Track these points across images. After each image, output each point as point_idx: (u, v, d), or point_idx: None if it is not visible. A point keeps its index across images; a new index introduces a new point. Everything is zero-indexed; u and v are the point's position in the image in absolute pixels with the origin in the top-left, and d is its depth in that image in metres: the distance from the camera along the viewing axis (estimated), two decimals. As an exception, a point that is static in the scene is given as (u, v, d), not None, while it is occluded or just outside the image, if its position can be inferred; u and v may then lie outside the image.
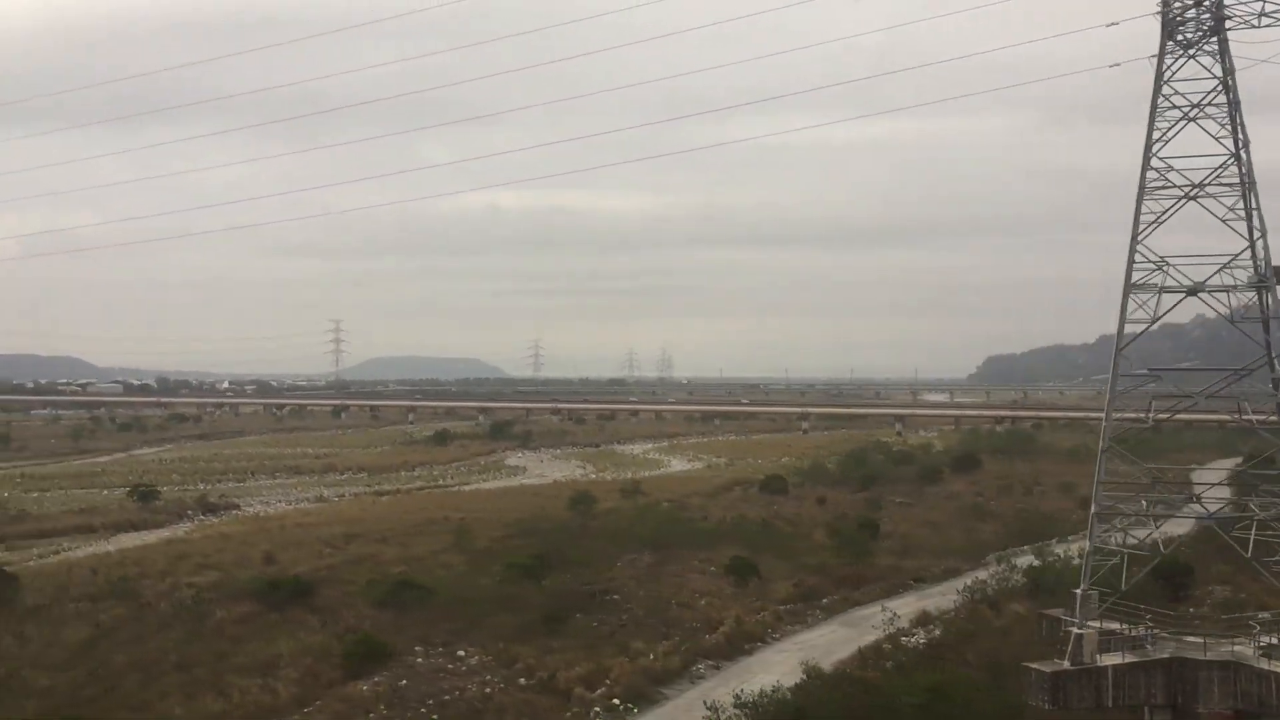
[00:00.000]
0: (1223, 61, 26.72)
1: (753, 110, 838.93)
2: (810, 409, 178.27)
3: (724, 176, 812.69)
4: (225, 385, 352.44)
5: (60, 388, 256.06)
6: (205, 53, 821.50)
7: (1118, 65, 29.12)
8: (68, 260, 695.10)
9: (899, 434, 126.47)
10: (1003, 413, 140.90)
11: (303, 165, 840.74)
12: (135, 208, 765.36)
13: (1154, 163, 27.50)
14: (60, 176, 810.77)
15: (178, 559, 44.32)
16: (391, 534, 50.15)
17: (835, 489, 65.51)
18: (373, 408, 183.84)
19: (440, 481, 78.79)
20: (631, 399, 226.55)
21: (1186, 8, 26.74)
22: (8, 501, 65.97)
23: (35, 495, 68.55)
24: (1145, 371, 30.18)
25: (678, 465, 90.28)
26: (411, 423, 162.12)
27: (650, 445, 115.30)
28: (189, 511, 60.44)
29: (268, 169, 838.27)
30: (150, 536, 52.90)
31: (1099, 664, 23.73)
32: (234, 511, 62.19)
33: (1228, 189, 27.02)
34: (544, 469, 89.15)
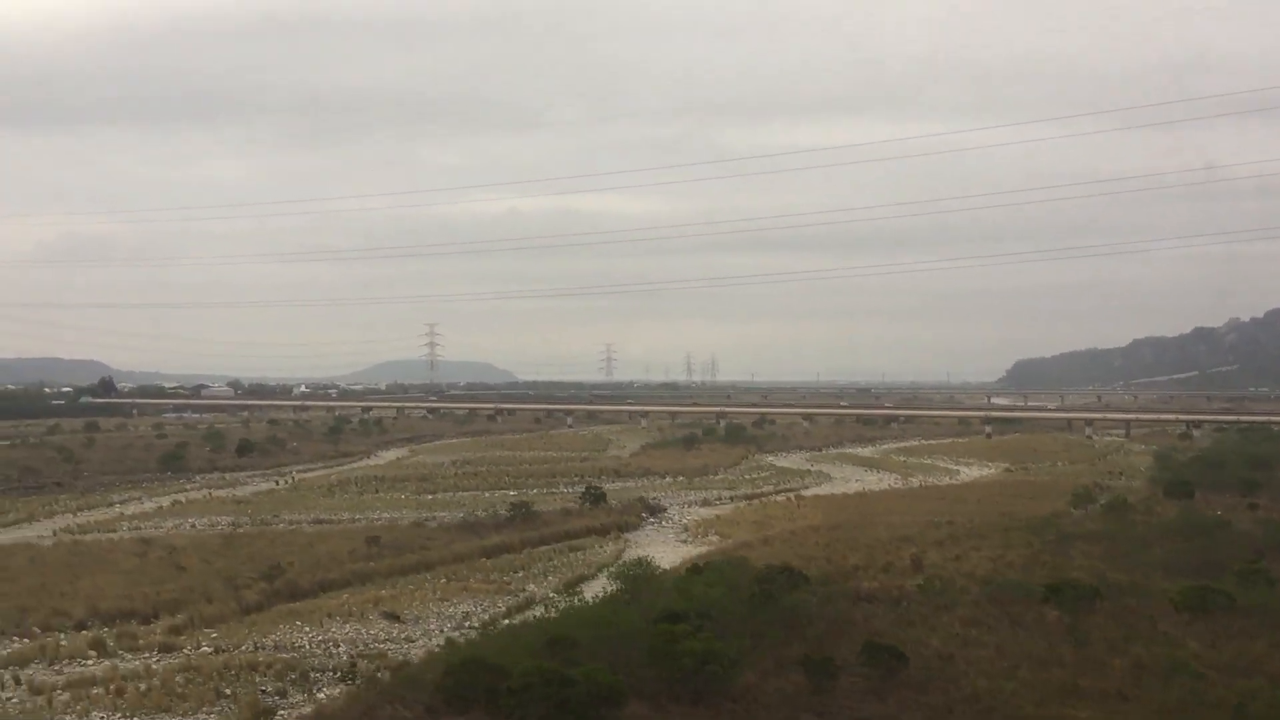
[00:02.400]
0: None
1: (786, 115, 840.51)
2: (950, 412, 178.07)
3: (741, 182, 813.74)
4: (302, 389, 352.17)
5: (170, 391, 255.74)
6: (231, 55, 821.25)
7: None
8: (86, 262, 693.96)
9: (1089, 437, 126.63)
10: (1195, 417, 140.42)
11: (306, 166, 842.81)
12: (155, 209, 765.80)
13: None
14: (78, 178, 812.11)
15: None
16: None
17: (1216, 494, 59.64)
18: (509, 410, 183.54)
19: (784, 487, 77.59)
20: (753, 399, 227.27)
21: None
22: (450, 501, 65.33)
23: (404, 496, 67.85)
24: None
25: (966, 472, 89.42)
26: (570, 425, 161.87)
27: (853, 450, 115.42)
28: (643, 514, 59.80)
29: (274, 170, 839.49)
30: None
31: None
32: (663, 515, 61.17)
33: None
34: (842, 474, 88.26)
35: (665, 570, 41.09)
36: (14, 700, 25.40)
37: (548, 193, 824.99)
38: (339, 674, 27.22)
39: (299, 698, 25.88)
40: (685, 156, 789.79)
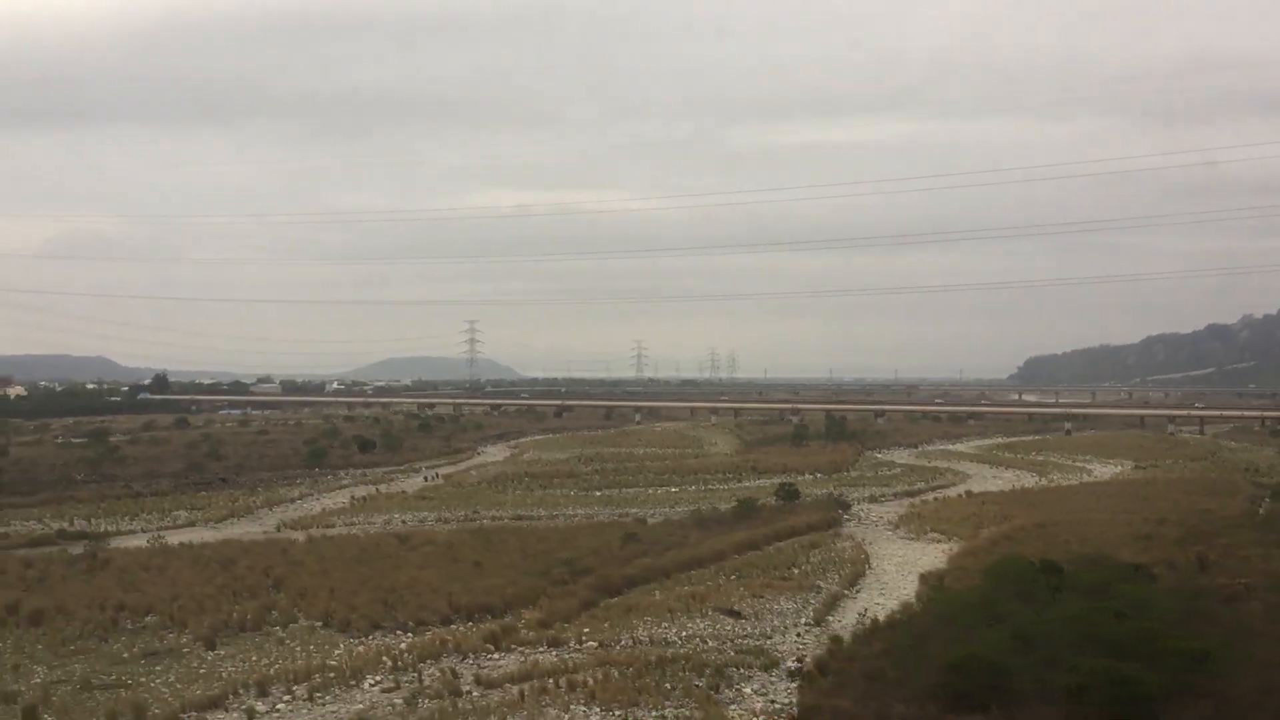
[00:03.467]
0: None
1: (801, 114, 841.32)
2: (1040, 409, 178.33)
3: (750, 179, 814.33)
4: (335, 385, 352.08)
5: (210, 388, 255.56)
6: (241, 55, 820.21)
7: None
8: (92, 259, 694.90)
9: (1172, 434, 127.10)
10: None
11: (316, 164, 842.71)
12: (161, 207, 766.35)
13: None
14: (84, 177, 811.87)
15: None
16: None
17: None
18: (566, 408, 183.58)
19: (935, 484, 77.67)
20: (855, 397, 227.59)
21: None
22: (628, 498, 65.77)
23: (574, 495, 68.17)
24: None
25: (1098, 470, 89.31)
26: (638, 421, 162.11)
27: (948, 446, 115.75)
28: (838, 511, 60.00)
29: (281, 169, 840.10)
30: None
31: None
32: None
33: None
34: (976, 471, 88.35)
35: (944, 568, 41.54)
36: (474, 694, 25.67)
37: (558, 189, 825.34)
38: (757, 669, 27.55)
39: (731, 692, 26.11)
40: (698, 155, 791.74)
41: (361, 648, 29.94)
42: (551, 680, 26.40)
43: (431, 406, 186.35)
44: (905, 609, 32.97)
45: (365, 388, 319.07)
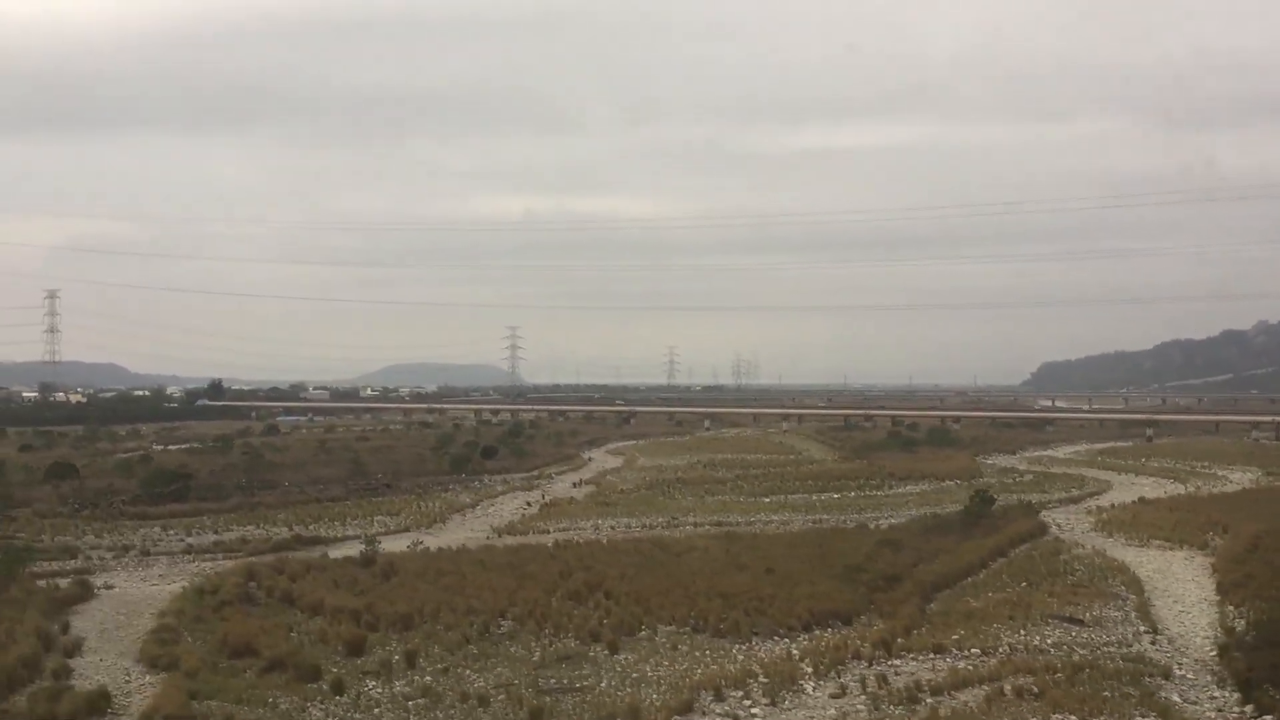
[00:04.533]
0: None
1: (820, 116, 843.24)
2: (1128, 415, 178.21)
3: (762, 181, 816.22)
4: (369, 391, 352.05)
5: (256, 394, 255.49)
6: (256, 58, 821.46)
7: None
8: (102, 266, 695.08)
9: (1256, 440, 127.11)
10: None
11: (311, 168, 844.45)
12: (169, 212, 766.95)
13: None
14: (92, 182, 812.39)
15: None
16: None
17: None
18: (631, 414, 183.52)
19: (1088, 491, 77.61)
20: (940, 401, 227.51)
21: None
22: (806, 504, 65.53)
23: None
24: None
25: (1234, 477, 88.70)
26: (708, 428, 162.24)
27: (1045, 452, 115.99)
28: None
29: (284, 172, 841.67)
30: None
31: None
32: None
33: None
34: (1115, 479, 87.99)
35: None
36: (928, 700, 25.67)
37: (569, 194, 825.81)
38: (1158, 676, 27.59)
39: (1164, 701, 26.10)
40: (715, 158, 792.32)
41: (746, 653, 30.01)
42: (987, 686, 26.45)
43: (495, 413, 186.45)
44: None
45: (403, 394, 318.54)
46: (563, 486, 78.83)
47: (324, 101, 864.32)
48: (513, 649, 30.43)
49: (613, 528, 56.03)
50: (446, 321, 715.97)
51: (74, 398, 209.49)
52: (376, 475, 77.02)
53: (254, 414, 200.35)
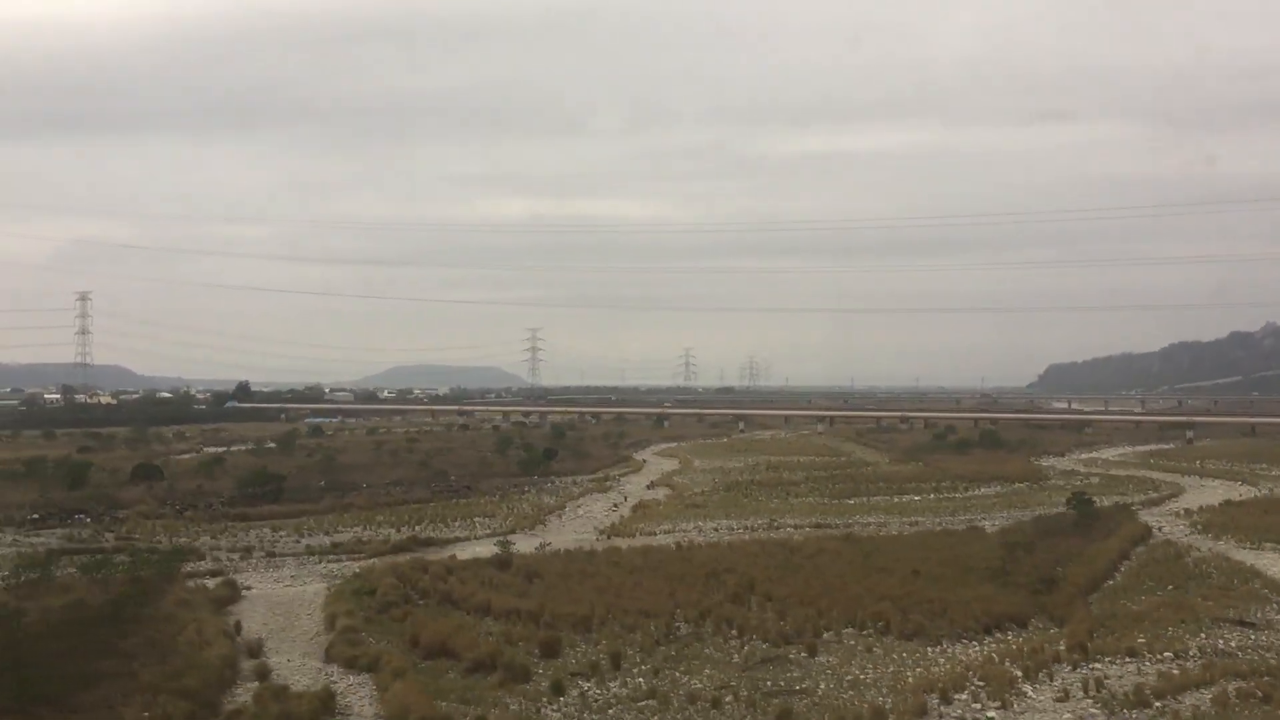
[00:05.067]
0: None
1: (827, 121, 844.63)
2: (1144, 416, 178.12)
3: (765, 185, 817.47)
4: (386, 393, 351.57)
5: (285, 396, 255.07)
6: (264, 64, 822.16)
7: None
8: (105, 268, 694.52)
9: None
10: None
11: (317, 172, 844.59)
12: (176, 216, 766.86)
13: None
14: (97, 185, 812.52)
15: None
16: None
17: None
18: (665, 416, 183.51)
19: (1165, 494, 77.32)
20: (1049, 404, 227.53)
21: None
22: (892, 506, 65.48)
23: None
24: None
25: None
26: (742, 430, 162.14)
27: (1089, 454, 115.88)
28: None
29: (291, 175, 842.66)
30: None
31: None
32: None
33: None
34: (1184, 482, 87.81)
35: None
36: (1157, 704, 25.61)
37: (574, 197, 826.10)
38: None
39: None
40: (722, 162, 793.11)
41: (943, 656, 29.96)
42: (1207, 691, 26.41)
43: (527, 415, 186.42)
44: None
45: (420, 396, 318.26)
46: (634, 488, 78.78)
47: (330, 105, 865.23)
48: (705, 651, 30.36)
49: (716, 529, 55.97)
50: (449, 324, 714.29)
51: (104, 400, 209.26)
52: (452, 477, 76.92)
53: (283, 415, 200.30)
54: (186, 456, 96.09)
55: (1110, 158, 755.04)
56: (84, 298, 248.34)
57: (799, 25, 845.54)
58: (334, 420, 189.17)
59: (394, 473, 79.44)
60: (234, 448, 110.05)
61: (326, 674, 29.15)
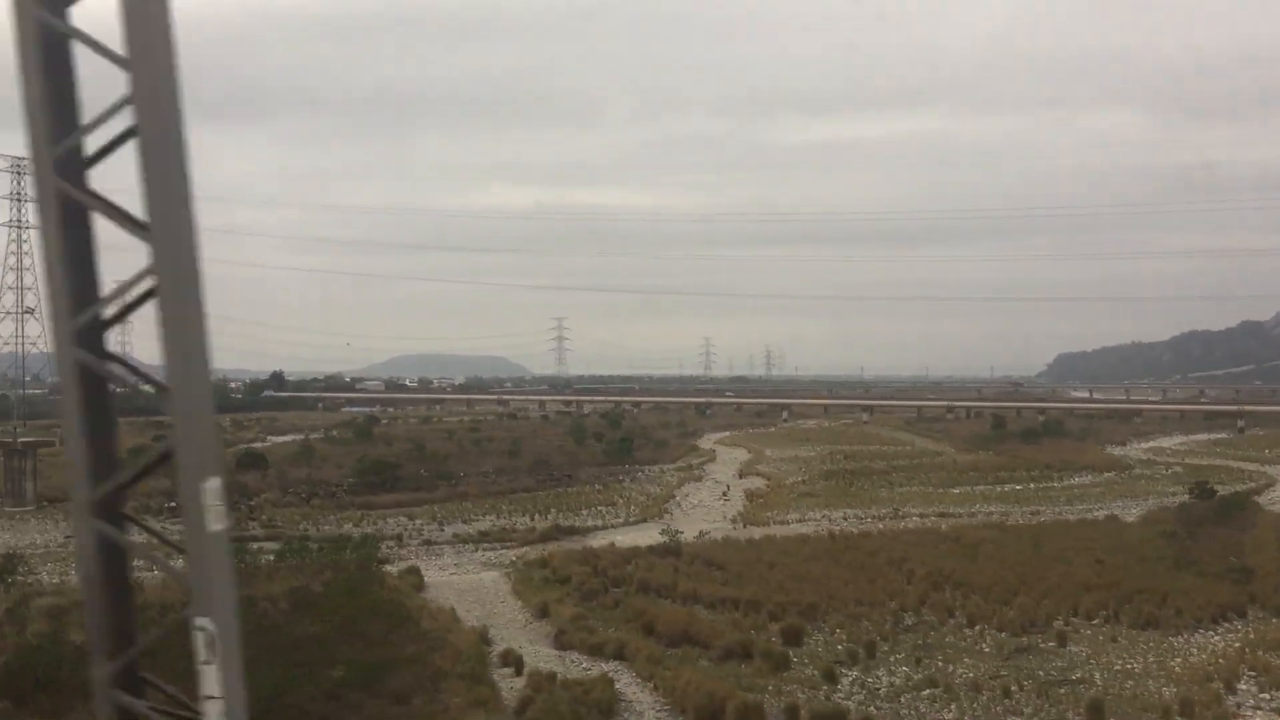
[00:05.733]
0: None
1: (844, 109, 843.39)
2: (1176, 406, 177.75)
3: (776, 175, 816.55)
4: (410, 382, 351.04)
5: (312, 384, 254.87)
6: (282, 54, 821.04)
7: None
8: (106, 258, 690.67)
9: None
10: None
11: (313, 160, 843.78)
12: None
13: None
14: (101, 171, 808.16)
15: None
16: None
17: None
18: (708, 405, 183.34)
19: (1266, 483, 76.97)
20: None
21: None
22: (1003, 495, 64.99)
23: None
24: None
25: None
26: (786, 419, 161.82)
27: (1153, 443, 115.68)
28: None
29: (287, 165, 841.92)
30: None
31: None
32: None
33: None
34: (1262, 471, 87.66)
35: None
36: None
37: (583, 186, 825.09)
38: None
39: None
40: (730, 151, 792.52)
41: (1193, 645, 29.91)
42: None
43: (568, 404, 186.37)
44: None
45: (443, 384, 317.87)
46: (724, 476, 78.61)
47: (339, 95, 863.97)
48: (947, 639, 30.29)
49: (845, 518, 55.82)
50: (448, 313, 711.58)
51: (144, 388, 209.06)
52: (552, 468, 76.83)
53: (320, 405, 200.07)
54: (263, 445, 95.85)
55: (1121, 147, 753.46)
56: None
57: (806, 18, 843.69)
58: (370, 410, 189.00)
59: (486, 462, 79.37)
60: (299, 436, 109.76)
61: (573, 660, 29.07)
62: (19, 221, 64.21)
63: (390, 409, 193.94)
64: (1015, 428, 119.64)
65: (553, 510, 58.38)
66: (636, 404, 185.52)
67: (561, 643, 30.85)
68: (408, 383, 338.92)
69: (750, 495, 65.94)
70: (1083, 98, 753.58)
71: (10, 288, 64.89)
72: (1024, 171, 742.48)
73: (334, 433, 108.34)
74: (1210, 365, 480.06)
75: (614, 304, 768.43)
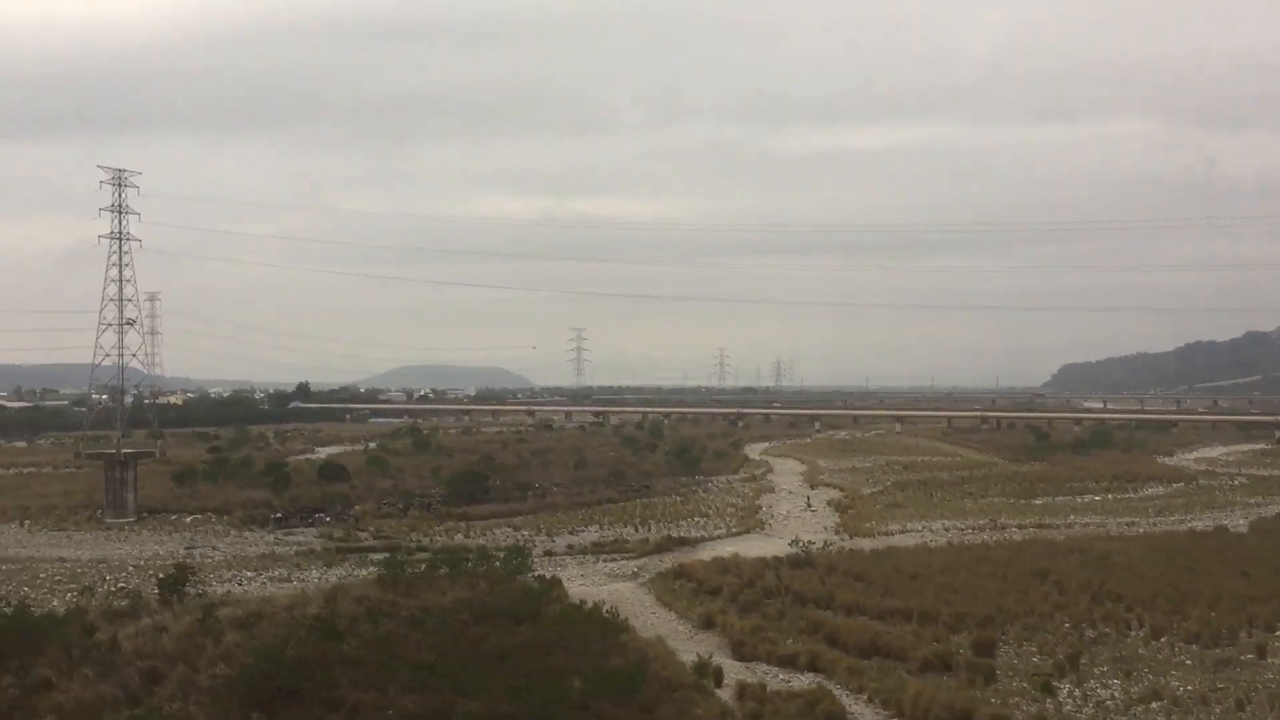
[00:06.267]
0: None
1: (852, 118, 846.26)
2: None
3: (771, 181, 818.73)
4: (428, 394, 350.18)
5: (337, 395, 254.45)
6: (288, 61, 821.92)
7: None
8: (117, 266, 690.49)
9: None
10: None
11: (316, 168, 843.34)
12: (186, 214, 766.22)
13: None
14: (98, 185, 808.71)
15: None
16: None
17: None
18: (741, 416, 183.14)
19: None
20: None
21: None
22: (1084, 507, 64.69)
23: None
24: None
25: None
26: (819, 430, 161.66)
27: (1203, 452, 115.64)
28: None
29: (290, 175, 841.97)
30: None
31: None
32: None
33: None
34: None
35: None
36: None
37: (587, 196, 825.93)
38: None
39: None
40: (743, 158, 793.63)
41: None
42: None
43: (597, 415, 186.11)
44: None
45: (456, 395, 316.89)
46: (792, 486, 78.48)
47: (350, 102, 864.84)
48: (1139, 651, 30.00)
49: (946, 529, 55.57)
50: (450, 324, 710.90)
51: (174, 400, 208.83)
52: (629, 479, 76.59)
53: (348, 416, 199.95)
54: (315, 456, 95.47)
55: (1126, 156, 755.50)
56: (153, 298, 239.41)
57: (819, 24, 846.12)
58: (397, 420, 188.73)
59: (554, 473, 79.06)
60: (346, 448, 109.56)
61: (764, 672, 28.69)
62: (120, 233, 63.94)
63: (417, 419, 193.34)
64: (1076, 439, 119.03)
65: (650, 521, 58.06)
66: (665, 415, 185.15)
67: (742, 654, 30.56)
68: (425, 393, 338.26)
69: (835, 506, 65.64)
70: (1087, 106, 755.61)
71: (111, 299, 64.22)
72: (1029, 181, 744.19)
73: (393, 444, 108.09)
74: (1215, 376, 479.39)
75: (611, 313, 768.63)
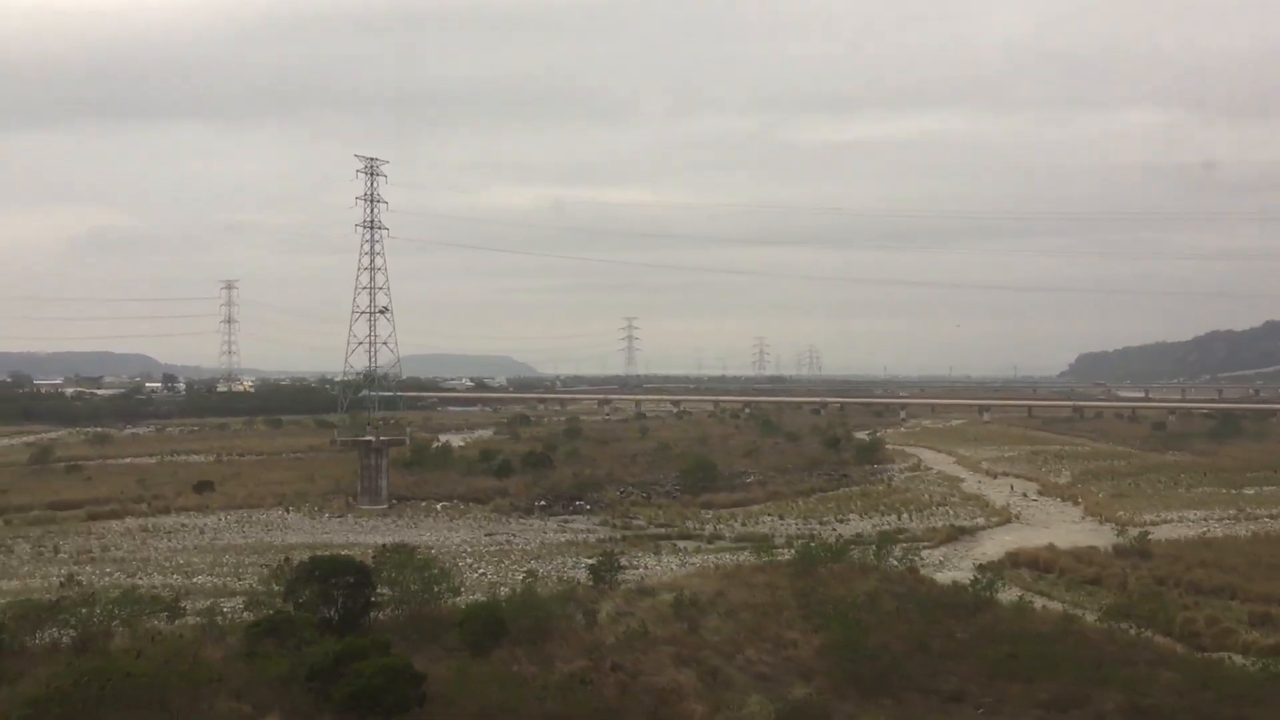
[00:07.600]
0: None
1: (872, 108, 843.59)
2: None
3: (782, 173, 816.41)
4: (466, 382, 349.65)
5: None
6: (313, 50, 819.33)
7: None
8: (124, 258, 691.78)
9: None
10: None
11: (327, 159, 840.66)
12: (202, 203, 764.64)
13: None
14: (120, 174, 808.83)
15: None
16: None
17: None
18: (824, 404, 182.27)
19: None
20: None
21: None
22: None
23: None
24: None
25: None
26: (904, 418, 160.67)
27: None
28: None
29: (300, 165, 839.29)
30: None
31: None
32: None
33: None
34: None
35: None
36: None
37: (599, 185, 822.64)
38: None
39: None
40: (763, 150, 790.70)
41: None
42: None
43: (677, 404, 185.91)
44: None
45: (498, 383, 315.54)
46: (959, 474, 78.21)
47: (371, 92, 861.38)
48: None
49: (1203, 519, 54.70)
50: (457, 314, 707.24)
51: (243, 387, 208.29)
52: (828, 467, 75.87)
53: (418, 404, 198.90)
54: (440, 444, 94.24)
55: (1146, 145, 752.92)
56: (230, 286, 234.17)
57: (841, 16, 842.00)
58: (472, 409, 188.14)
59: (733, 462, 78.13)
60: (468, 434, 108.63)
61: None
62: (371, 222, 63.00)
63: (497, 409, 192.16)
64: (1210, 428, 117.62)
65: (887, 510, 57.08)
66: (753, 403, 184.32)
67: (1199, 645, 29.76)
68: (466, 381, 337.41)
69: (1051, 496, 64.73)
70: (1111, 97, 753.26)
71: (364, 287, 63.44)
72: (1050, 170, 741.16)
73: (523, 430, 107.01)
74: (1236, 365, 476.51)
75: (635, 304, 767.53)
